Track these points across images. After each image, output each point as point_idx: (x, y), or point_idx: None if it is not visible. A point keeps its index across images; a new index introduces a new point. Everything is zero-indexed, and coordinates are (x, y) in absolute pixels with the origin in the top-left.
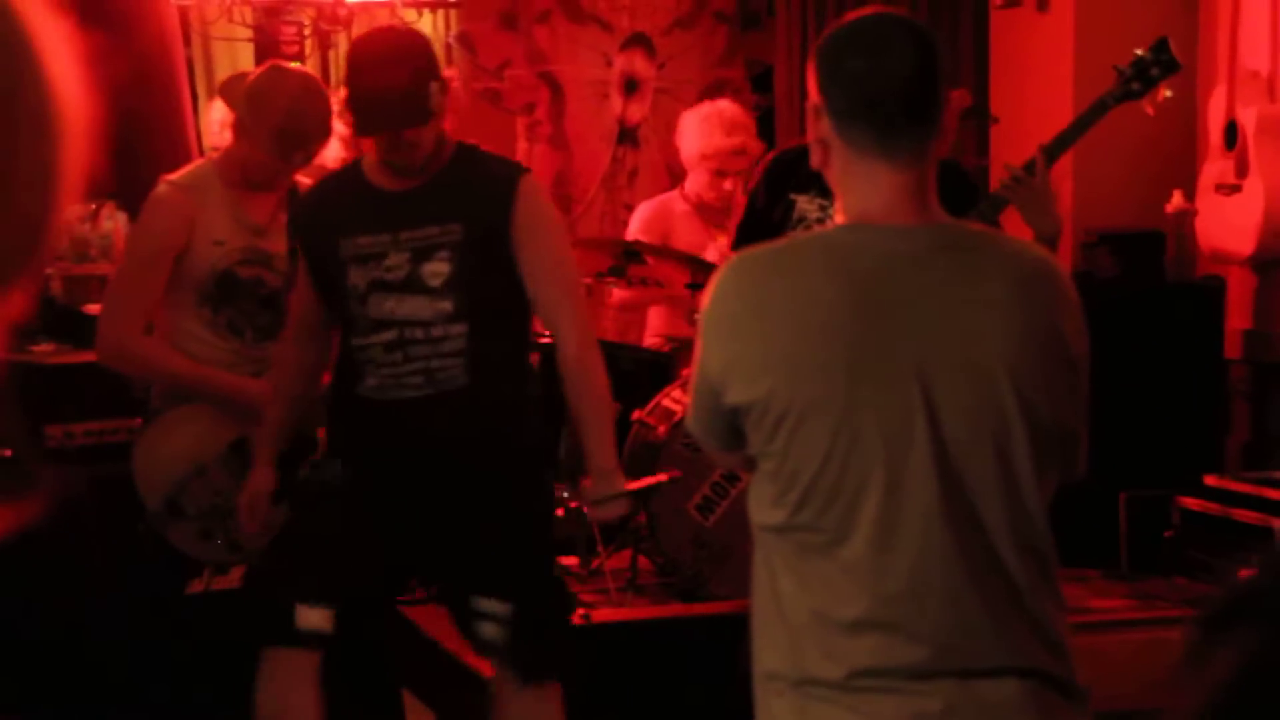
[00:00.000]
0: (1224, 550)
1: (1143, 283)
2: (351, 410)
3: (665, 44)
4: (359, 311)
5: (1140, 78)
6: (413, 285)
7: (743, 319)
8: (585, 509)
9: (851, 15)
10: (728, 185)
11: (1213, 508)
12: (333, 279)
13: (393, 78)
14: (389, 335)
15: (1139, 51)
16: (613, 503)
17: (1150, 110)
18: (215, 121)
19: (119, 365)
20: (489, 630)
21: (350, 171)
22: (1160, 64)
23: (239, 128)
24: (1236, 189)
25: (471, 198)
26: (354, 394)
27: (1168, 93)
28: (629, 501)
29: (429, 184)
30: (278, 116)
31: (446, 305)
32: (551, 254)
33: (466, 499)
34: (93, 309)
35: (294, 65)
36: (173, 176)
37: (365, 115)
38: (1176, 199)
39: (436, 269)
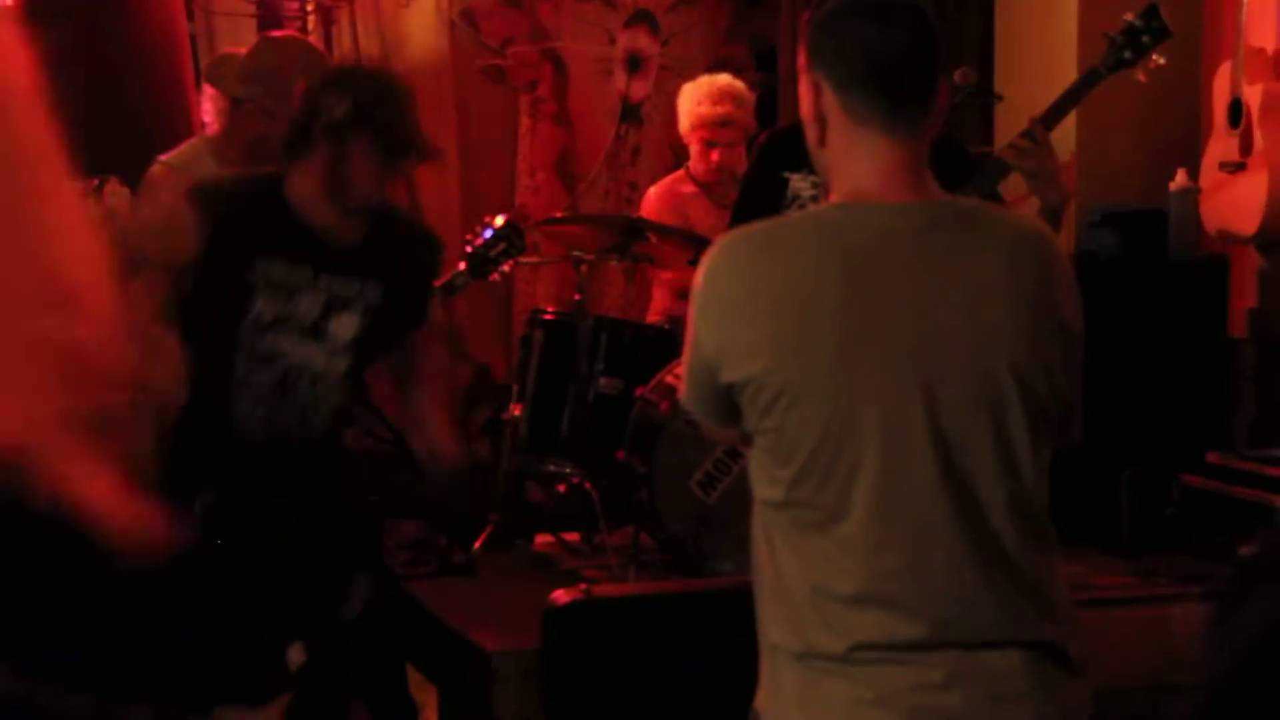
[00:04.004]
0: (1225, 528)
1: (1146, 261)
2: (216, 432)
3: (669, 21)
4: (251, 339)
5: (1132, 46)
6: (317, 333)
7: (736, 299)
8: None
9: None
10: (714, 157)
11: (1214, 485)
12: (232, 293)
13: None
14: (276, 372)
15: (1129, 18)
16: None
17: (1143, 78)
18: (206, 108)
19: None
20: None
21: (271, 189)
22: (1151, 31)
23: (250, 108)
24: (1241, 167)
25: (401, 259)
26: (225, 416)
27: (1160, 60)
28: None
29: (360, 232)
30: (299, 87)
31: (341, 363)
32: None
33: (318, 541)
34: None
35: (280, 33)
36: (166, 156)
37: (404, 143)
38: (1180, 177)
39: (346, 324)
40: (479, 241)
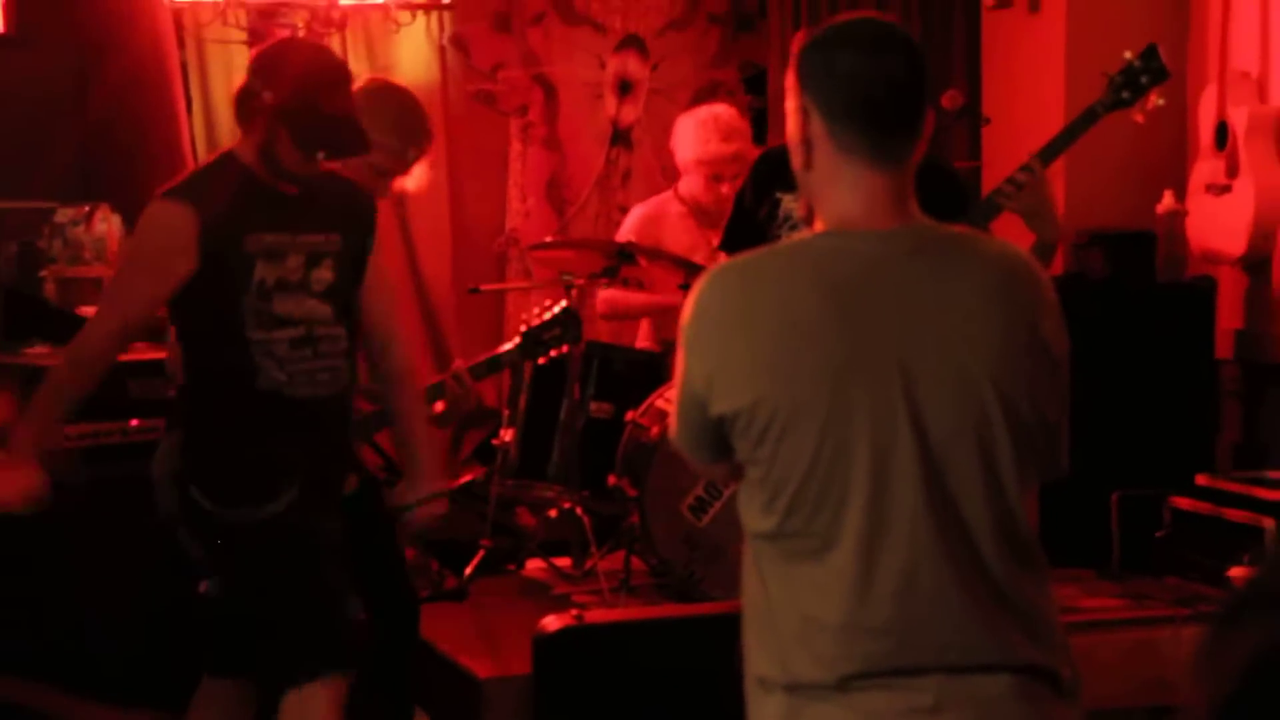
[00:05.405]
0: (1216, 550)
1: (1134, 283)
2: (253, 406)
3: (659, 45)
4: (258, 306)
5: (1130, 86)
6: (306, 287)
7: (726, 329)
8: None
9: (839, 17)
10: (724, 189)
11: (1204, 507)
12: (235, 272)
13: (350, 101)
14: (295, 332)
15: (1129, 57)
16: (437, 501)
17: (1140, 119)
18: None
19: None
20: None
21: (234, 167)
22: (1150, 71)
23: None
24: (1227, 189)
25: (345, 213)
26: (253, 389)
27: (1159, 101)
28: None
29: (307, 190)
30: (396, 114)
31: (328, 310)
32: (388, 273)
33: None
34: (87, 311)
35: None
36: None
37: (333, 135)
38: (1167, 199)
39: (321, 276)
40: (535, 323)
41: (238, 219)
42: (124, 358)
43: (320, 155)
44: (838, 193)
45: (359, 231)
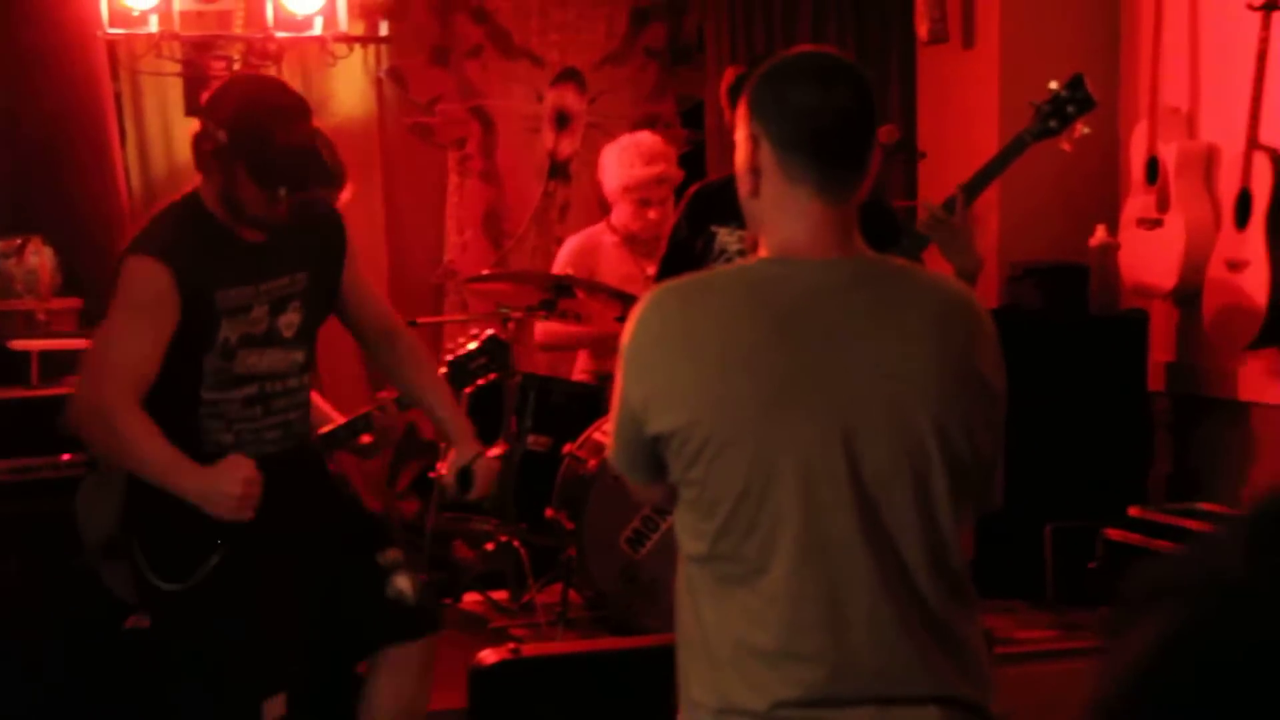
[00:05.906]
0: None
1: (1067, 316)
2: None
3: (596, 79)
4: (219, 366)
5: (1057, 115)
6: (271, 338)
7: (664, 350)
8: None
9: (786, 51)
10: (652, 214)
11: (1136, 539)
12: (200, 332)
13: (312, 133)
14: (249, 390)
15: (1054, 87)
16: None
17: (1067, 147)
18: None
19: None
20: (400, 583)
21: (198, 213)
22: (1076, 101)
23: None
24: (1158, 223)
25: (313, 245)
26: (197, 454)
27: (1085, 130)
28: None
29: (272, 232)
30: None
31: (299, 356)
32: (364, 271)
33: (324, 538)
34: (17, 345)
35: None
36: None
37: (293, 168)
38: (1099, 233)
39: (290, 320)
40: (461, 352)
41: (207, 273)
42: (55, 391)
43: (282, 192)
44: (783, 221)
45: (327, 262)
